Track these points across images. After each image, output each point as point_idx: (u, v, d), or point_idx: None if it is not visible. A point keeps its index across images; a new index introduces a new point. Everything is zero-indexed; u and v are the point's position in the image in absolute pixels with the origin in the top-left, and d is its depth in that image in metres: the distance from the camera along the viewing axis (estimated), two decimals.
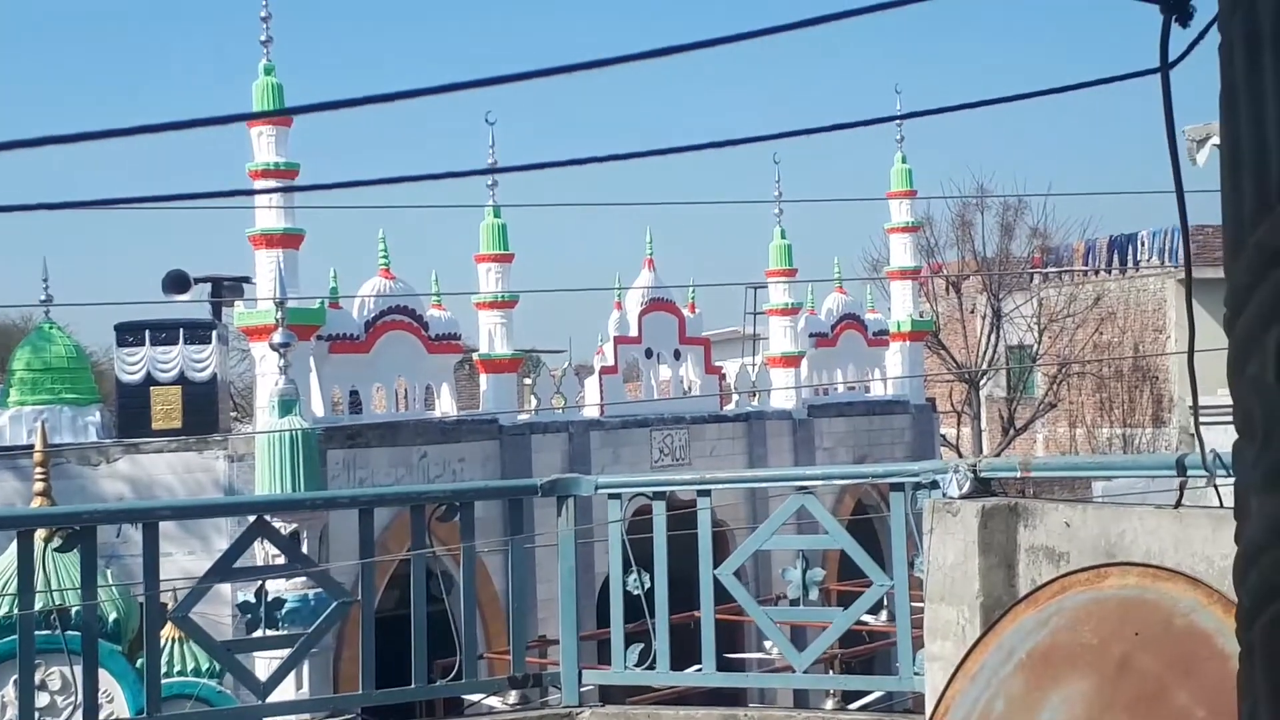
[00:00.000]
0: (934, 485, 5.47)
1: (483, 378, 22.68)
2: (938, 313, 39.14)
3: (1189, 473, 4.64)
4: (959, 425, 38.89)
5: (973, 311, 40.48)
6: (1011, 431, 39.13)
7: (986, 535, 5.08)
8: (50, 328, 20.00)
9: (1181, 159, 3.09)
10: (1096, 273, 42.38)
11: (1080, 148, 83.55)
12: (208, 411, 19.85)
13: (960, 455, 31.45)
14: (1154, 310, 39.78)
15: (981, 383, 39.85)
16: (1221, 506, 4.51)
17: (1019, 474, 5.60)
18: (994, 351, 39.46)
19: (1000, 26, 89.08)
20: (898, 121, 25.66)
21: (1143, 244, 41.33)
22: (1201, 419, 4.17)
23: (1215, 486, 4.59)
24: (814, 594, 6.11)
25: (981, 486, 5.30)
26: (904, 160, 27.53)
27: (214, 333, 20.51)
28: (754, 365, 26.49)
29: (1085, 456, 25.58)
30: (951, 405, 38.48)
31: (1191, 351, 3.69)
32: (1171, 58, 2.72)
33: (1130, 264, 41.60)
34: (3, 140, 4.34)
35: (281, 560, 7.00)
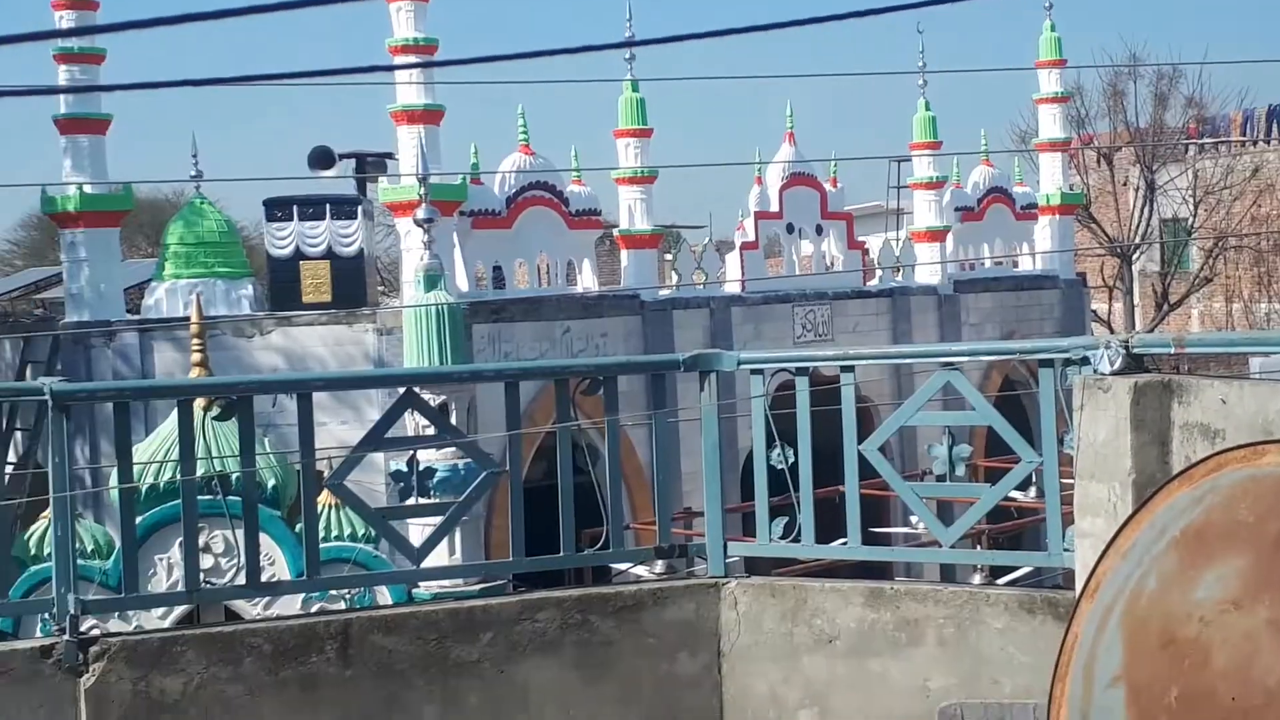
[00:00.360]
0: (1085, 361, 5.40)
1: (623, 253, 22.74)
2: (1088, 185, 38.26)
3: None
4: (1110, 301, 38.24)
5: (1125, 184, 39.52)
6: (1165, 307, 38.28)
7: (1139, 412, 5.02)
8: (201, 203, 20.40)
9: None
10: (1254, 143, 41.04)
11: (1238, 12, 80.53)
12: (355, 285, 20.16)
13: (1111, 332, 30.91)
14: None
15: (1134, 257, 39.01)
16: None
17: (1173, 350, 5.48)
18: (1147, 225, 38.59)
19: None
20: None
21: None
22: None
23: None
24: (960, 470, 6.10)
25: (1134, 363, 5.23)
26: (1053, 29, 26.82)
27: (359, 208, 20.77)
28: (898, 240, 26.18)
29: (1242, 332, 24.99)
30: (1103, 280, 37.77)
31: None
32: None
33: None
34: (148, 18, 4.41)
35: (431, 431, 7.14)
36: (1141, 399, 5.02)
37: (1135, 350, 5.25)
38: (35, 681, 5.18)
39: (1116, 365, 5.20)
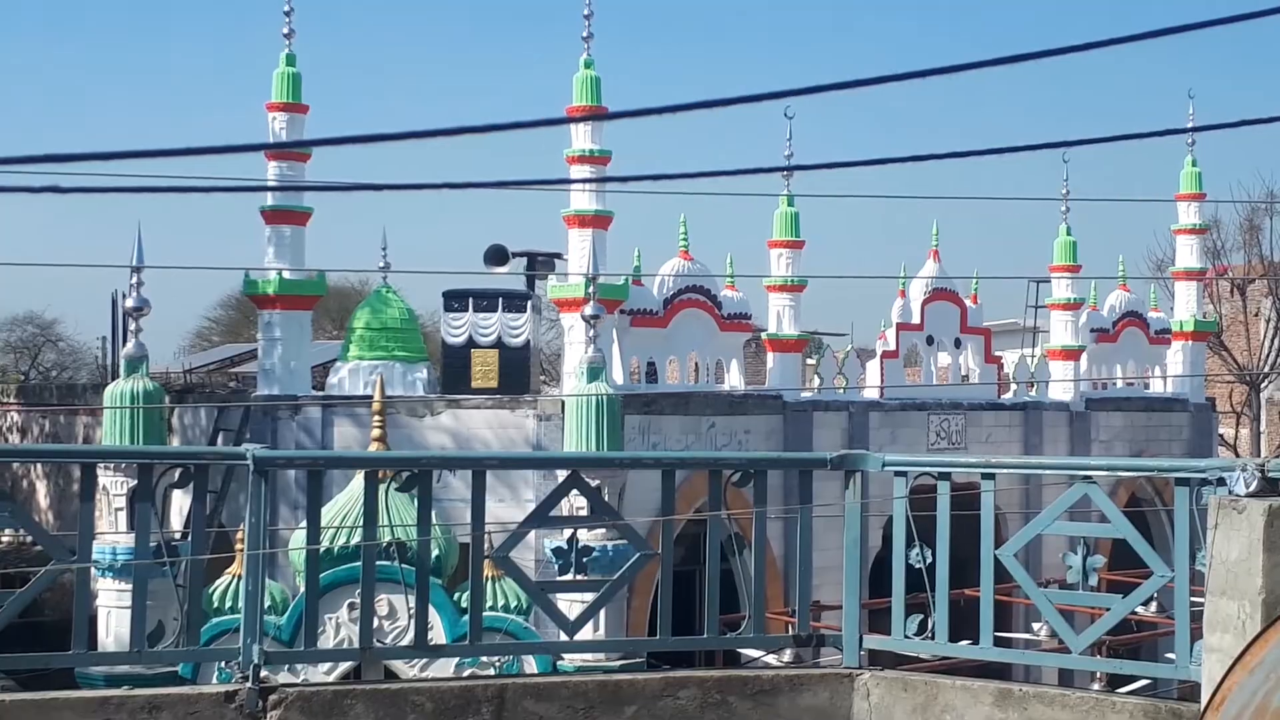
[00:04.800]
0: (1220, 482, 5.31)
1: (769, 356, 22.78)
2: (1221, 314, 37.44)
3: None
4: (1237, 426, 37.29)
5: (1257, 314, 38.69)
6: None
7: (1273, 533, 4.91)
8: (387, 291, 20.86)
9: None
10: None
11: None
12: (520, 374, 20.42)
13: (1238, 456, 30.09)
14: None
15: (1263, 385, 38.04)
16: None
17: None
18: (1277, 354, 37.63)
19: None
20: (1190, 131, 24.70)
21: None
22: None
23: None
24: (1093, 579, 6.01)
25: (1269, 486, 5.13)
26: (1194, 164, 26.49)
27: (529, 302, 21.08)
28: (1033, 357, 25.93)
29: None
30: (1231, 406, 36.88)
31: None
32: None
33: None
34: (362, 134, 4.58)
35: (584, 513, 7.19)
36: (1276, 521, 4.92)
37: (1271, 474, 5.15)
38: None
39: (1252, 487, 5.11)
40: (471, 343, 20.41)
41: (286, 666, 6.47)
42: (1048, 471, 9.39)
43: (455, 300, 20.69)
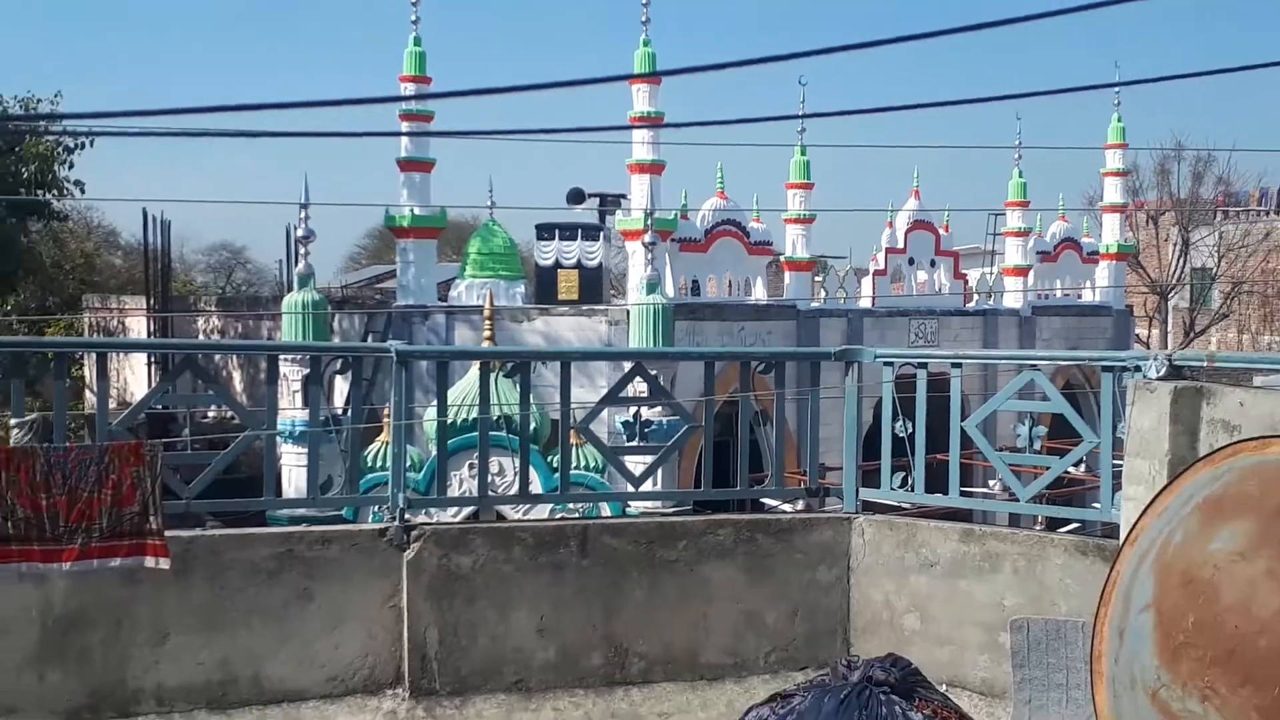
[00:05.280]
0: (1137, 369, 5.26)
1: (786, 274, 22.67)
2: (1138, 240, 36.88)
3: None
4: (1150, 329, 36.90)
5: (1166, 240, 38.09)
6: (1191, 335, 36.80)
7: (1176, 409, 4.88)
8: (493, 224, 20.86)
9: None
10: (1268, 213, 39.26)
11: (1261, 110, 76.30)
12: (595, 289, 20.44)
13: (1151, 350, 29.76)
14: None
15: (1170, 296, 37.59)
16: None
17: (1205, 364, 5.30)
18: (1181, 272, 37.21)
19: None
20: (1115, 90, 24.05)
21: None
22: None
23: None
24: (1037, 445, 5.98)
25: (1175, 372, 5.09)
26: (1119, 119, 26.01)
27: (601, 233, 21.03)
28: (991, 274, 25.68)
29: (1258, 353, 23.91)
30: (1145, 312, 36.46)
31: None
32: None
33: None
34: (468, 88, 4.56)
35: (645, 395, 7.20)
36: (1179, 399, 4.89)
37: (1176, 362, 5.12)
38: (374, 552, 5.38)
39: (1161, 372, 5.07)
40: (558, 265, 20.43)
41: (423, 511, 6.59)
42: (1002, 362, 9.34)
43: (545, 231, 20.71)
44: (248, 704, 5.05)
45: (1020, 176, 25.03)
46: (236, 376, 21.33)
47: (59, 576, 4.59)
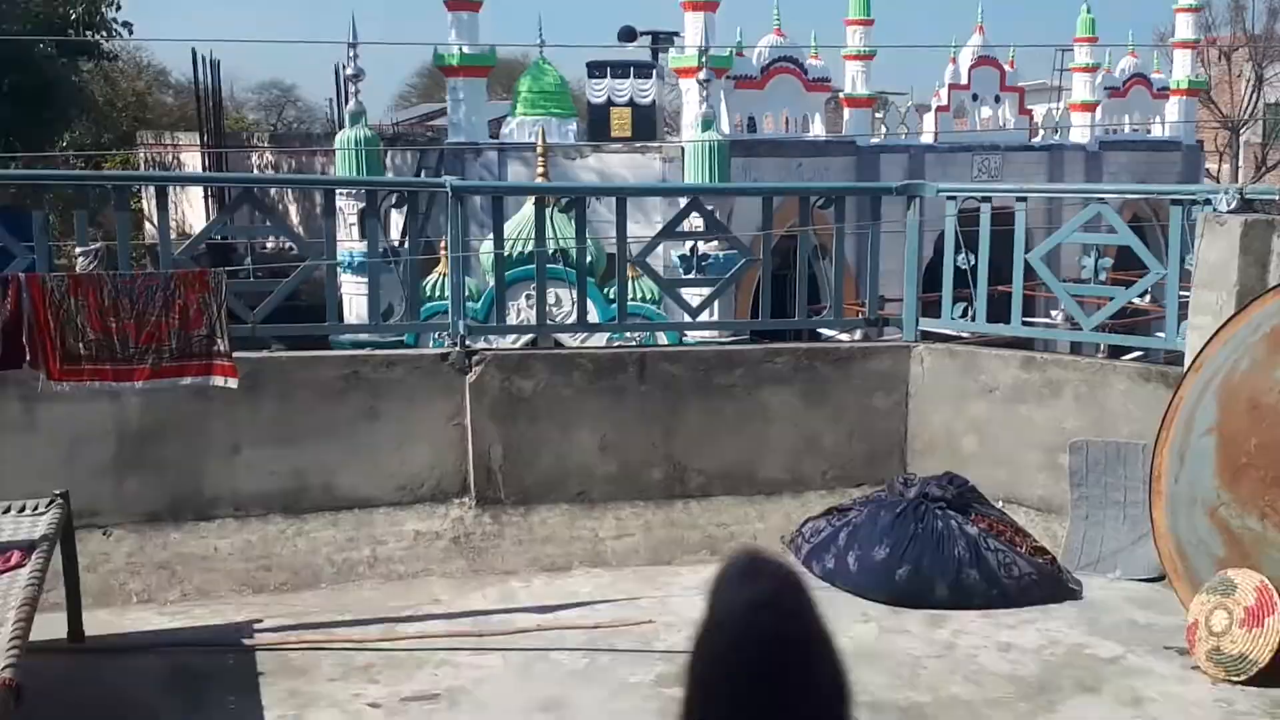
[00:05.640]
0: (1207, 203, 5.18)
1: (845, 111, 22.18)
2: (1210, 76, 35.65)
3: None
4: (1219, 164, 36.01)
5: (1239, 76, 36.87)
6: (1262, 170, 35.92)
7: (1246, 241, 4.86)
8: (544, 63, 20.50)
9: None
10: None
11: None
12: (648, 126, 20.13)
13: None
14: None
15: (1241, 131, 36.58)
16: None
17: (1276, 197, 5.23)
18: (1254, 108, 36.15)
19: None
20: None
21: None
22: None
23: None
24: (1102, 276, 5.91)
25: (1245, 205, 5.04)
26: None
27: (654, 71, 20.60)
28: (1058, 109, 25.01)
29: None
30: (1215, 148, 35.52)
31: None
32: None
33: None
34: None
35: (702, 229, 7.15)
36: (1249, 232, 4.87)
37: (1248, 196, 5.08)
38: (437, 375, 5.51)
39: (1233, 205, 5.03)
40: (610, 102, 20.10)
41: (482, 338, 6.65)
42: (1068, 195, 9.17)
43: (596, 69, 20.31)
44: (320, 509, 5.27)
45: (1089, 12, 24.15)
46: (293, 210, 21.45)
47: (132, 394, 4.73)
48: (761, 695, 0.40)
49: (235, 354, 4.88)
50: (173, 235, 5.74)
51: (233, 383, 4.84)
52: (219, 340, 4.86)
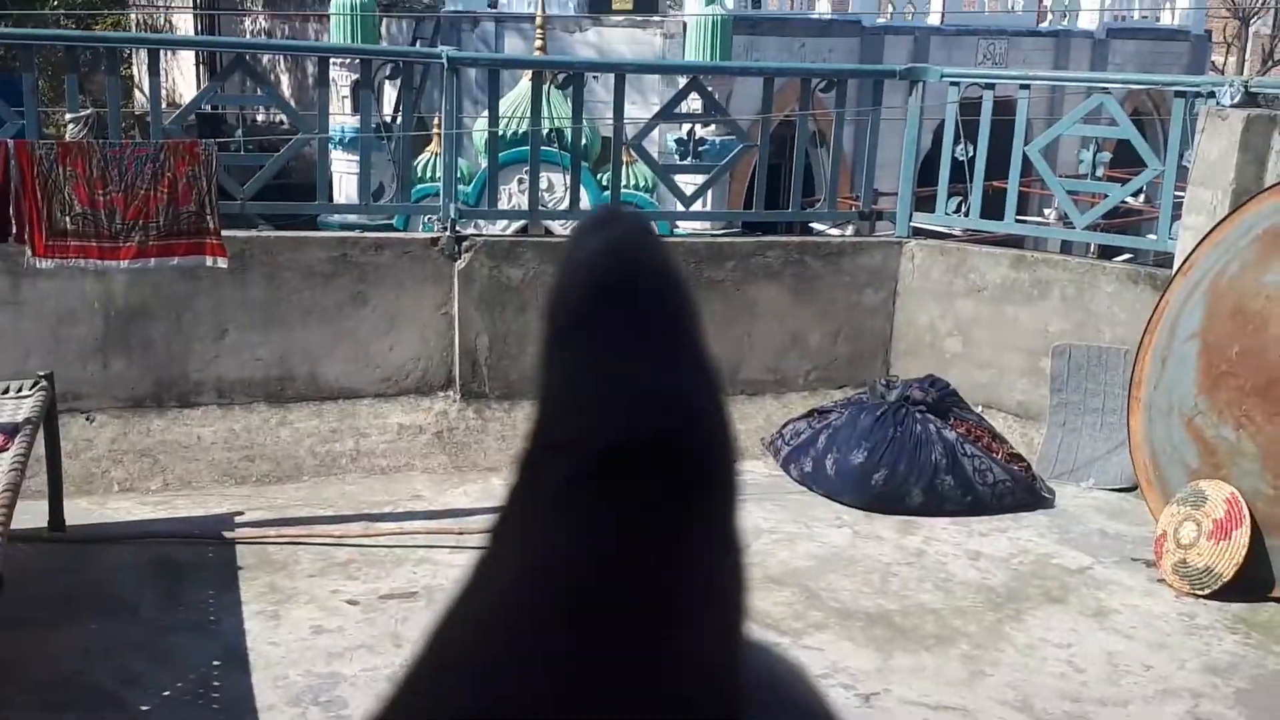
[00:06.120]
0: (1211, 95, 5.05)
1: None
2: None
3: None
4: (1227, 54, 35.27)
5: None
6: (1271, 62, 35.23)
7: (1247, 137, 4.74)
8: None
9: None
10: None
11: None
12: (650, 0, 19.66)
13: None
14: None
15: (1252, 21, 35.75)
16: None
17: None
18: None
19: None
20: None
21: None
22: None
23: None
24: (1099, 171, 5.84)
25: (1250, 99, 4.89)
26: None
27: None
28: None
29: None
30: (1224, 38, 34.73)
31: None
32: None
33: None
34: None
35: (700, 112, 7.01)
36: (1251, 127, 4.74)
37: (1253, 90, 4.91)
38: (426, 260, 5.45)
39: (1236, 100, 4.88)
40: None
41: (473, 223, 6.60)
42: (1072, 83, 9.00)
43: None
44: (305, 399, 5.28)
45: None
46: (285, 80, 21.06)
47: (119, 272, 4.70)
48: (610, 321, 0.40)
49: (224, 232, 4.84)
50: (163, 104, 5.62)
51: (222, 263, 4.81)
52: (209, 217, 4.82)
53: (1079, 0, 23.73)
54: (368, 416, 5.28)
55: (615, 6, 19.44)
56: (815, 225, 8.84)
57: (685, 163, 6.73)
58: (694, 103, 6.77)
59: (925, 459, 4.55)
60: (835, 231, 7.61)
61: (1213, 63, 30.75)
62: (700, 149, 7.05)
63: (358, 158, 5.84)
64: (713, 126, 9.36)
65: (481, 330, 5.48)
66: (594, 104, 6.81)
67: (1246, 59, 35.86)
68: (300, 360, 5.29)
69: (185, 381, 5.20)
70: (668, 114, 6.29)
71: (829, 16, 20.96)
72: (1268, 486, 4.13)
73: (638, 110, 10.04)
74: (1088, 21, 23.80)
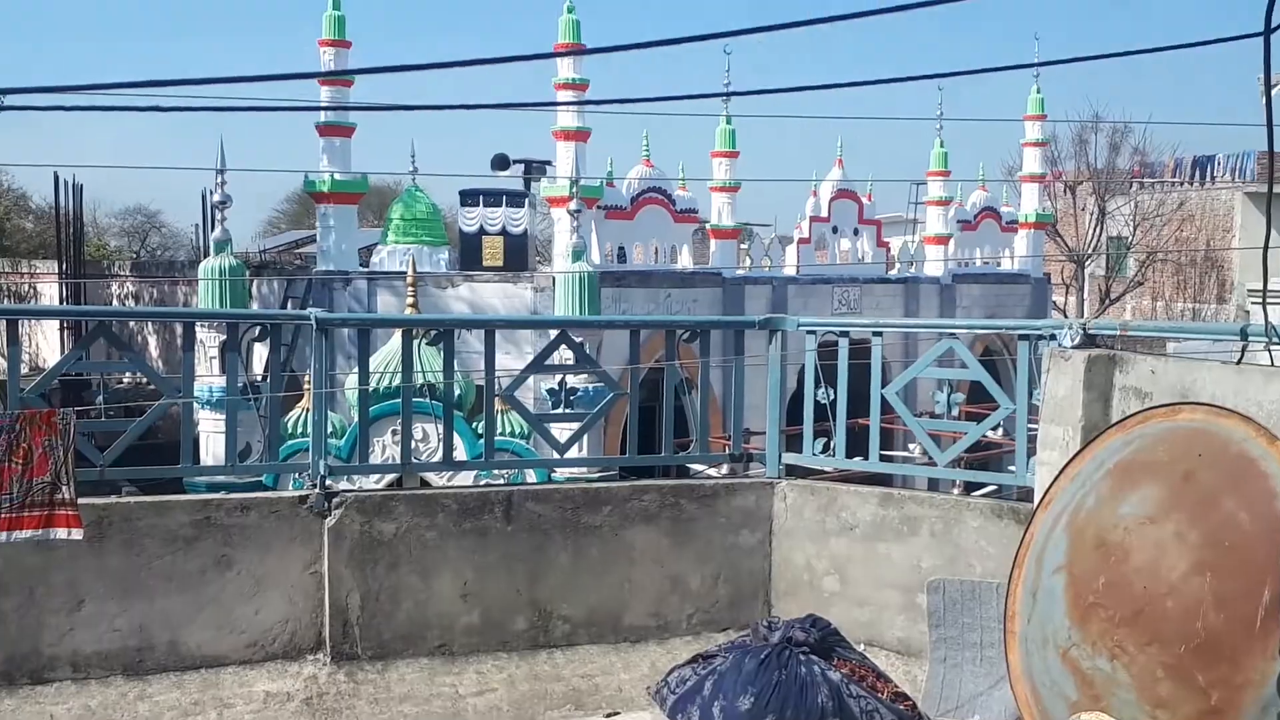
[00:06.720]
0: (1053, 337, 5.36)
1: (712, 242, 22.69)
2: (1056, 209, 37.59)
3: (1249, 338, 4.47)
4: (1067, 296, 37.68)
5: (1083, 209, 38.85)
6: (1106, 302, 37.70)
7: (1090, 377, 4.98)
8: (416, 190, 20.60)
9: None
10: (1181, 184, 40.11)
11: (1176, 85, 77.90)
12: (520, 256, 20.30)
13: (1067, 318, 30.38)
14: (1224, 215, 37.50)
15: (1087, 264, 38.46)
16: (1272, 365, 4.36)
17: (1118, 332, 5.42)
18: (1098, 241, 38.09)
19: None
20: (1035, 70, 24.44)
21: (1219, 164, 38.84)
22: (1258, 300, 4.01)
23: (1269, 350, 4.43)
24: (955, 411, 6.07)
25: (1089, 340, 5.19)
26: (1038, 91, 26.47)
27: (526, 200, 20.87)
28: (913, 242, 25.99)
29: (1170, 322, 24.59)
30: (1062, 280, 37.23)
31: (1266, 247, 3.55)
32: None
33: (1208, 178, 39.22)
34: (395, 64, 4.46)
35: (571, 362, 7.15)
36: (1093, 367, 4.99)
37: (1090, 331, 5.21)
38: (294, 519, 5.32)
39: (1076, 341, 5.16)
40: (482, 231, 20.24)
41: (345, 478, 6.52)
42: (923, 330, 9.47)
43: (469, 197, 20.49)
44: (165, 670, 4.98)
45: (942, 146, 25.36)
46: (152, 342, 20.88)
47: None
48: None
49: (82, 499, 4.66)
50: (25, 369, 5.48)
51: (77, 534, 4.62)
52: (64, 487, 4.65)
53: (924, 250, 25.28)
54: (232, 685, 4.99)
55: (486, 263, 20.00)
56: (690, 467, 8.95)
57: (558, 411, 6.80)
58: (566, 353, 6.90)
59: (812, 702, 4.47)
60: (713, 472, 7.69)
61: (1054, 302, 32.80)
62: (572, 397, 7.16)
63: (225, 417, 5.74)
64: (584, 376, 9.54)
65: (353, 588, 5.31)
66: (468, 355, 6.91)
67: (1085, 298, 38.31)
68: (161, 629, 5.02)
69: (38, 657, 4.87)
70: (540, 365, 6.39)
71: (691, 269, 21.88)
72: (1145, 716, 4.16)
73: (511, 360, 10.19)
74: (934, 268, 25.26)
